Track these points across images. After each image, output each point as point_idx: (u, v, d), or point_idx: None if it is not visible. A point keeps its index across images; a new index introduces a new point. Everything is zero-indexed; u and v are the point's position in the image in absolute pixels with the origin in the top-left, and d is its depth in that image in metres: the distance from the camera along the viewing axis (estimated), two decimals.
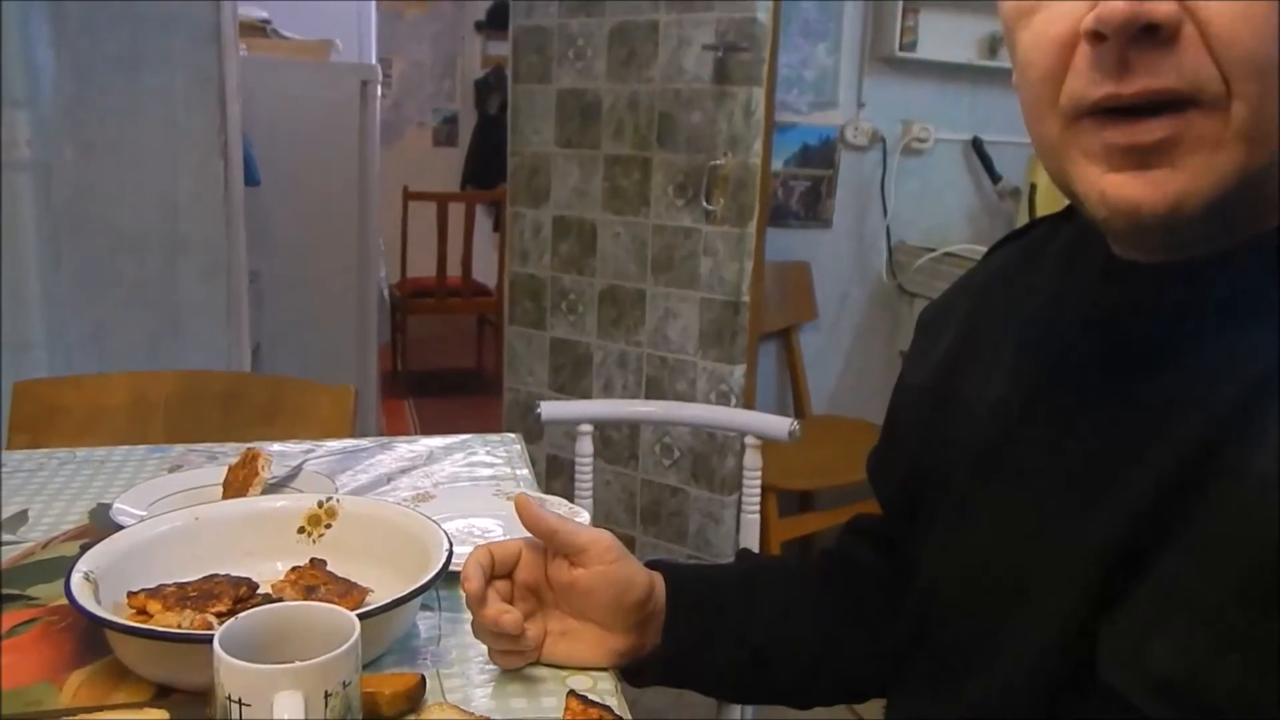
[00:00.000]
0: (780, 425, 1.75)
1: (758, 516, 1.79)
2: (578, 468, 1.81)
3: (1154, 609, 0.56)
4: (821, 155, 2.98)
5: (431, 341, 5.35)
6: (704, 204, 2.43)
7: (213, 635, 0.70)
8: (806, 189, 3.00)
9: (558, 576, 0.82)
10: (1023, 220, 2.77)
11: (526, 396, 2.76)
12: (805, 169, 2.98)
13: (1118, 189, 0.57)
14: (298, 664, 0.65)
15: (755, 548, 1.78)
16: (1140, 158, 0.56)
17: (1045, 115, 0.60)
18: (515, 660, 0.82)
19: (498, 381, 2.90)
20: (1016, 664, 0.65)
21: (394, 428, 4.13)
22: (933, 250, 2.89)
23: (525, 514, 0.81)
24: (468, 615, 0.93)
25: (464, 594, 0.80)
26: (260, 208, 3.00)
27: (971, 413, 0.75)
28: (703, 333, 2.45)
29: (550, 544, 0.82)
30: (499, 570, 0.81)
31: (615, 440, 2.54)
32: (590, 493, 1.77)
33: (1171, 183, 0.55)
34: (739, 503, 2.43)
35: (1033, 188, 2.65)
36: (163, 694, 0.80)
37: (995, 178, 3.04)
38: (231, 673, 0.64)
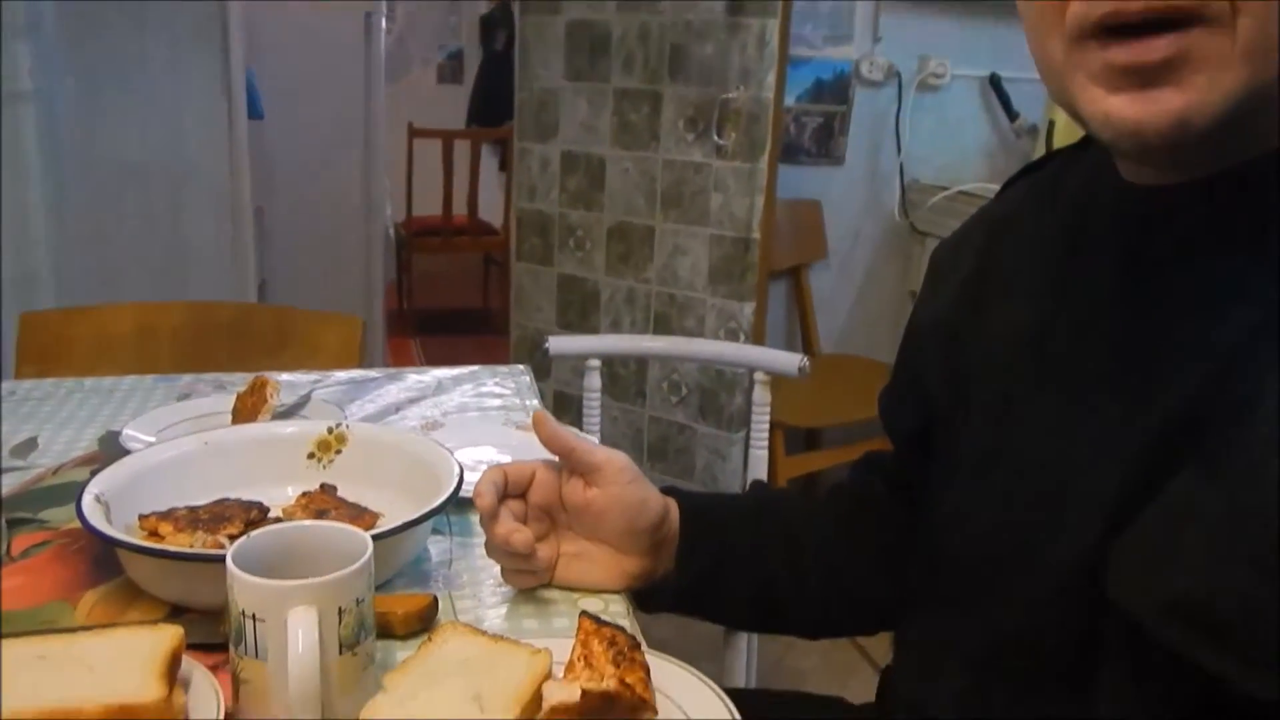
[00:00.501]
0: (790, 361, 1.74)
1: (766, 453, 1.79)
2: (585, 403, 1.80)
3: (1165, 527, 0.56)
4: (835, 91, 2.93)
5: (437, 280, 5.33)
6: (715, 138, 2.39)
7: (220, 554, 0.70)
8: (819, 125, 2.96)
9: (572, 497, 0.81)
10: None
11: (534, 333, 2.75)
12: (818, 104, 2.93)
13: (1121, 110, 0.56)
14: (311, 580, 0.65)
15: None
16: (1144, 77, 0.55)
17: (1049, 37, 0.59)
18: (528, 580, 0.82)
19: (503, 320, 2.89)
20: (1037, 588, 0.65)
21: (400, 365, 4.13)
22: (946, 189, 2.85)
23: (542, 430, 0.81)
24: (479, 539, 0.94)
25: (477, 512, 0.80)
26: (265, 142, 2.96)
27: (990, 343, 0.74)
28: (712, 269, 2.43)
29: (566, 462, 0.82)
30: (512, 490, 0.81)
31: (622, 377, 2.54)
32: (598, 429, 1.76)
33: (1175, 101, 0.54)
34: (746, 439, 2.44)
35: (1051, 124, 2.60)
36: (176, 613, 0.80)
37: (1013, 115, 2.99)
38: (245, 588, 0.64)
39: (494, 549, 0.80)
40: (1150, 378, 0.60)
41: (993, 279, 0.77)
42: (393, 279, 4.74)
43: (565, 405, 2.60)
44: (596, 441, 0.85)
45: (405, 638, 0.77)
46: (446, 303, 5.26)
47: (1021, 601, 0.66)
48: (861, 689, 2.38)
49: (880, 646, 2.32)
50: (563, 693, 0.62)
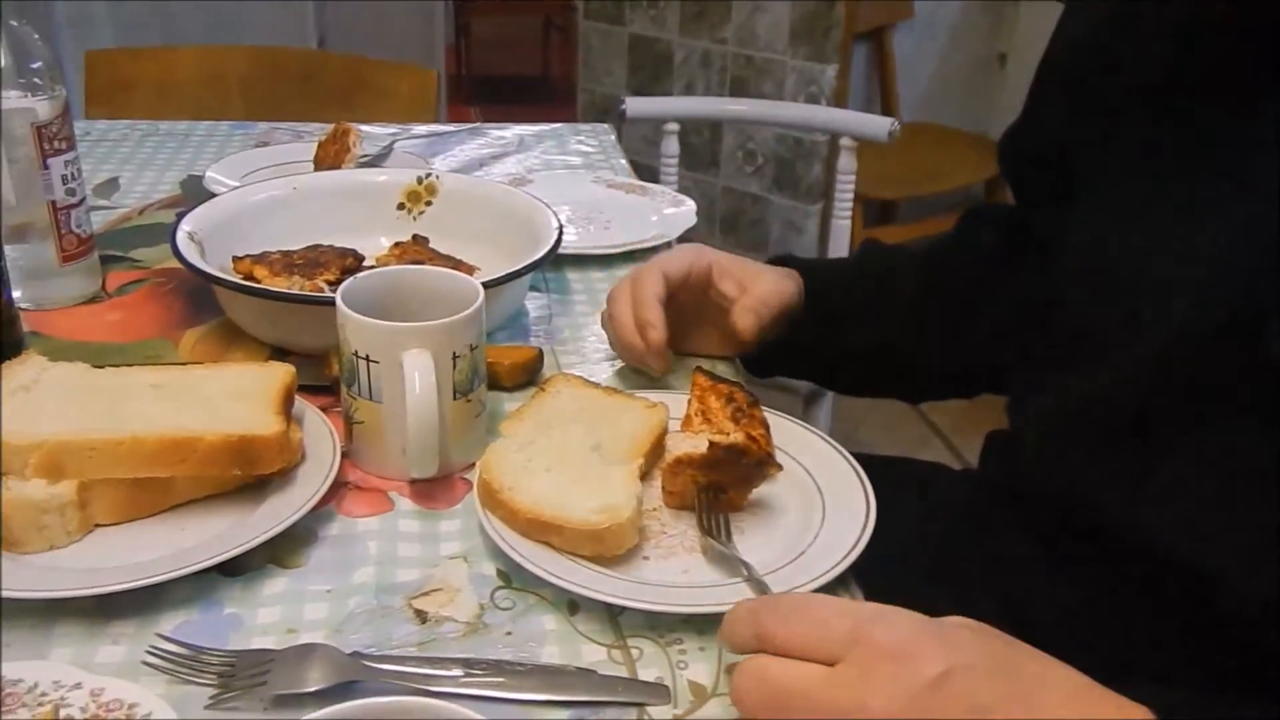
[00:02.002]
0: (880, 125, 1.64)
1: (849, 223, 1.72)
2: (662, 170, 1.73)
3: None
4: None
5: (495, 44, 5.11)
6: None
7: (329, 297, 0.68)
8: None
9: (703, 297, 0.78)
10: None
11: (602, 99, 2.63)
12: None
13: None
14: (427, 322, 0.62)
15: (844, 254, 1.72)
16: None
17: None
18: (635, 362, 0.79)
19: (565, 87, 2.76)
20: (1170, 335, 0.61)
21: None
22: None
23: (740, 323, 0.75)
24: (578, 296, 0.91)
25: (621, 323, 0.74)
26: None
27: (1135, 78, 0.68)
28: (793, 29, 2.28)
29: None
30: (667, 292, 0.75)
31: (695, 146, 2.44)
32: None
33: None
34: (823, 211, 2.37)
35: None
36: (277, 355, 0.79)
37: None
38: (360, 330, 0.62)
39: (624, 345, 0.76)
40: None
41: (1135, 16, 0.69)
42: (450, 42, 4.55)
43: (638, 173, 2.51)
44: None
45: (512, 389, 0.75)
46: (505, 68, 5.06)
47: (1147, 355, 0.62)
48: (934, 456, 2.41)
49: (947, 419, 2.33)
50: (688, 444, 0.60)
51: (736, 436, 0.60)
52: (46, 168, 0.81)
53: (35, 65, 0.79)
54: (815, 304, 0.80)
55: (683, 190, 1.71)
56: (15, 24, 0.78)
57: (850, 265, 0.85)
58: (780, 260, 0.83)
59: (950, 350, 0.84)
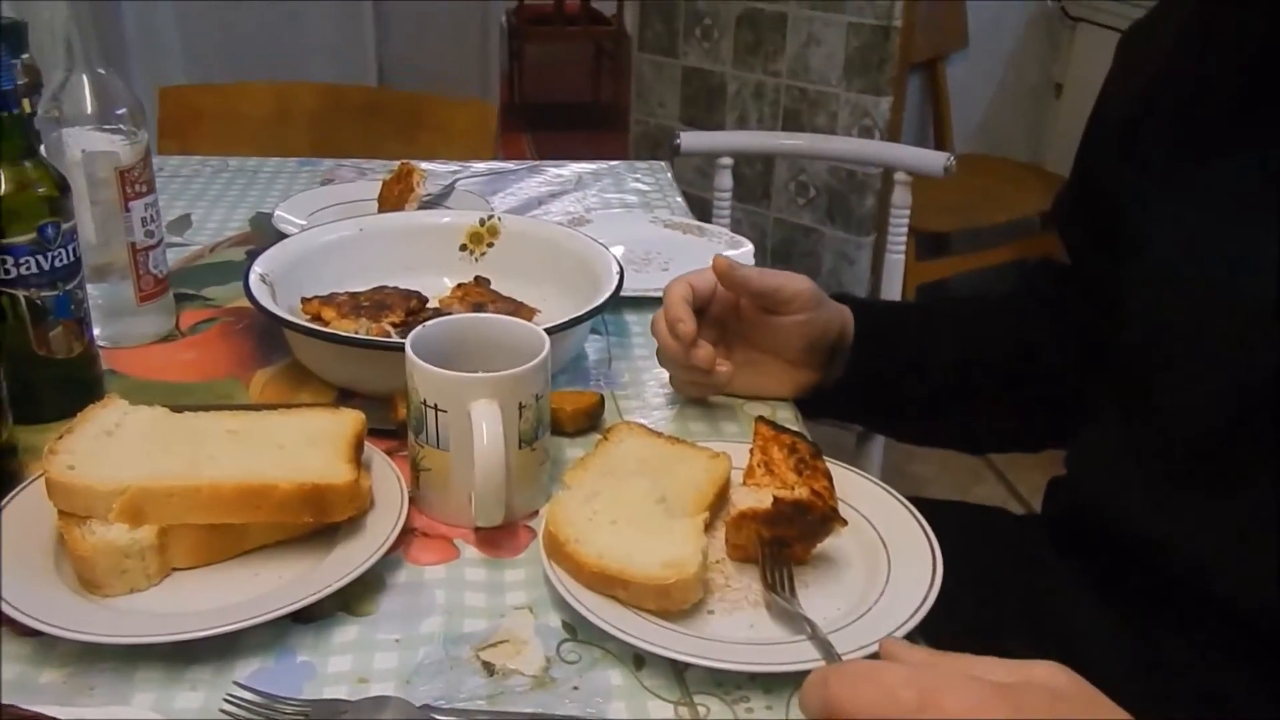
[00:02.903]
0: (935, 160, 1.64)
1: (902, 258, 1.72)
2: (716, 203, 1.74)
3: None
4: None
5: (547, 71, 5.17)
6: None
7: (398, 342, 0.69)
8: None
9: (751, 315, 0.78)
10: None
11: (655, 129, 2.65)
12: None
13: None
14: (496, 373, 0.63)
15: (897, 291, 1.72)
16: None
17: None
18: (700, 391, 0.80)
19: (616, 114, 2.78)
20: (1240, 378, 0.61)
21: (512, 158, 4.07)
22: None
23: (729, 278, 0.76)
24: (637, 339, 0.92)
25: (659, 332, 0.76)
26: None
27: (1188, 134, 0.67)
28: (848, 61, 2.27)
29: (758, 300, 0.77)
30: (696, 304, 0.77)
31: (748, 177, 2.44)
32: (727, 230, 1.71)
33: None
34: (876, 243, 2.36)
35: None
36: (344, 397, 0.80)
37: None
38: (428, 379, 0.63)
39: (670, 360, 0.78)
40: None
41: (1187, 63, 0.69)
42: (503, 68, 4.61)
43: (690, 205, 2.53)
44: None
45: (574, 435, 0.76)
46: (557, 95, 5.12)
47: (1213, 399, 0.62)
48: (986, 494, 2.38)
49: (1003, 454, 2.30)
50: (752, 498, 0.61)
51: (801, 492, 0.60)
52: (128, 210, 0.83)
53: (120, 111, 0.82)
54: (872, 352, 0.80)
55: (734, 222, 1.72)
56: (103, 72, 0.81)
57: (909, 314, 0.86)
58: (839, 298, 0.83)
59: (1013, 405, 0.84)
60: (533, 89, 4.89)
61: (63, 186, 0.73)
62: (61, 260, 0.73)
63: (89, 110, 0.81)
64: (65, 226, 0.73)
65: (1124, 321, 0.74)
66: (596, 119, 4.86)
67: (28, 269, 0.71)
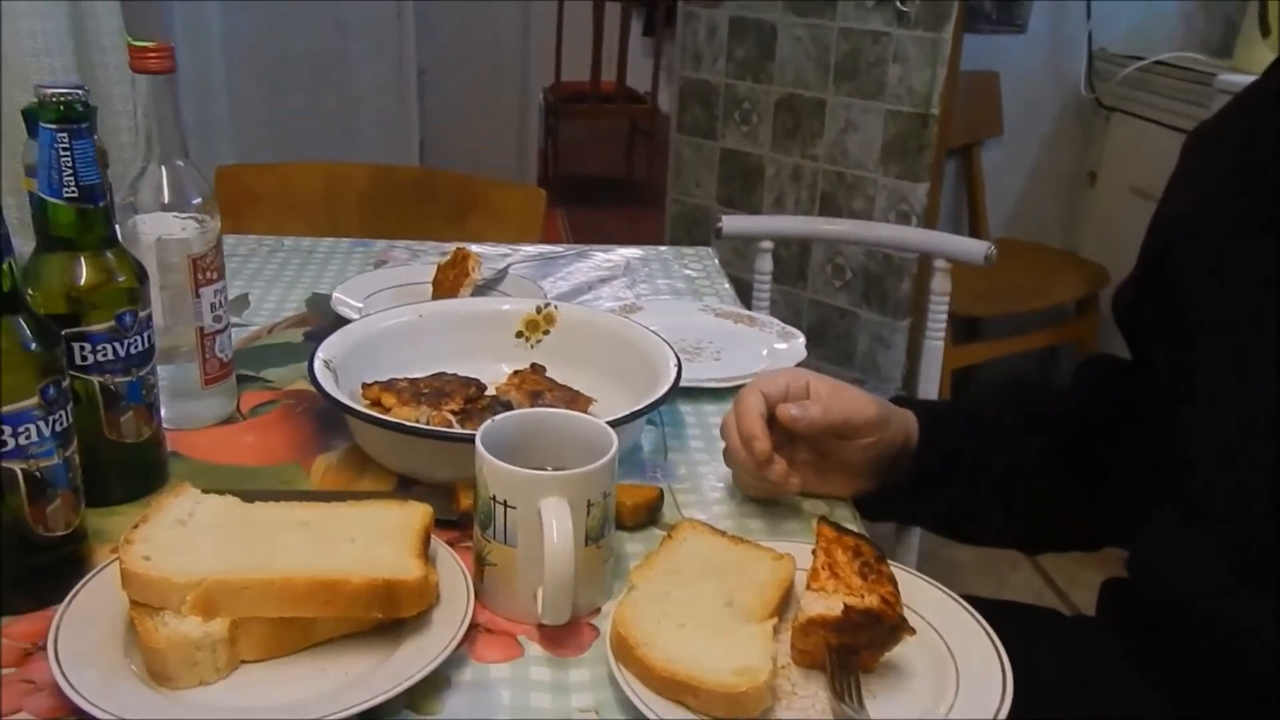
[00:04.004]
0: (976, 249, 1.65)
1: (941, 344, 1.72)
2: (755, 286, 1.76)
3: None
4: None
5: (581, 147, 5.27)
6: (897, 4, 2.24)
7: (466, 434, 0.70)
8: None
9: (817, 435, 0.78)
10: (1249, 22, 2.47)
11: (692, 209, 2.69)
12: None
13: None
14: (567, 471, 0.64)
15: (935, 376, 1.72)
16: None
17: None
18: (765, 494, 0.80)
19: (649, 190, 2.82)
20: None
21: (547, 234, 4.13)
22: (1140, 59, 2.62)
23: (798, 427, 0.76)
24: (691, 430, 0.92)
25: (729, 439, 0.77)
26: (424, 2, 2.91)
27: (1259, 237, 0.68)
28: (885, 147, 2.31)
29: (830, 432, 0.78)
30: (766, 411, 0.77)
31: (784, 258, 2.46)
32: (767, 312, 1.72)
33: None
34: (911, 327, 2.36)
35: None
36: (404, 484, 0.81)
37: None
38: (498, 474, 0.64)
39: (739, 467, 0.78)
40: None
41: (1254, 172, 0.70)
42: (538, 144, 4.70)
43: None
44: None
45: (633, 529, 0.76)
46: (590, 170, 5.21)
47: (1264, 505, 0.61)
48: (1022, 583, 2.34)
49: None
50: (821, 605, 0.60)
51: (871, 600, 0.60)
52: (198, 296, 0.85)
53: (196, 201, 0.85)
54: (931, 453, 0.80)
55: (771, 303, 1.74)
56: (181, 163, 0.84)
57: (971, 418, 0.85)
58: (898, 402, 0.83)
59: (1072, 505, 0.83)
60: (567, 164, 4.97)
61: (141, 276, 0.75)
62: (137, 347, 0.74)
63: (165, 200, 0.84)
64: (142, 314, 0.75)
65: (1185, 417, 0.74)
66: (630, 195, 4.94)
67: (104, 355, 0.73)
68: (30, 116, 0.95)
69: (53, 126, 0.69)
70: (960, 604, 0.67)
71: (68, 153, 0.69)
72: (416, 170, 1.71)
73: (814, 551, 0.67)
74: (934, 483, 0.80)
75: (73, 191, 0.70)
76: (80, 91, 0.70)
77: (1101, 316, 2.64)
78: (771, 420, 0.75)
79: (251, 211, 1.58)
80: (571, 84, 4.71)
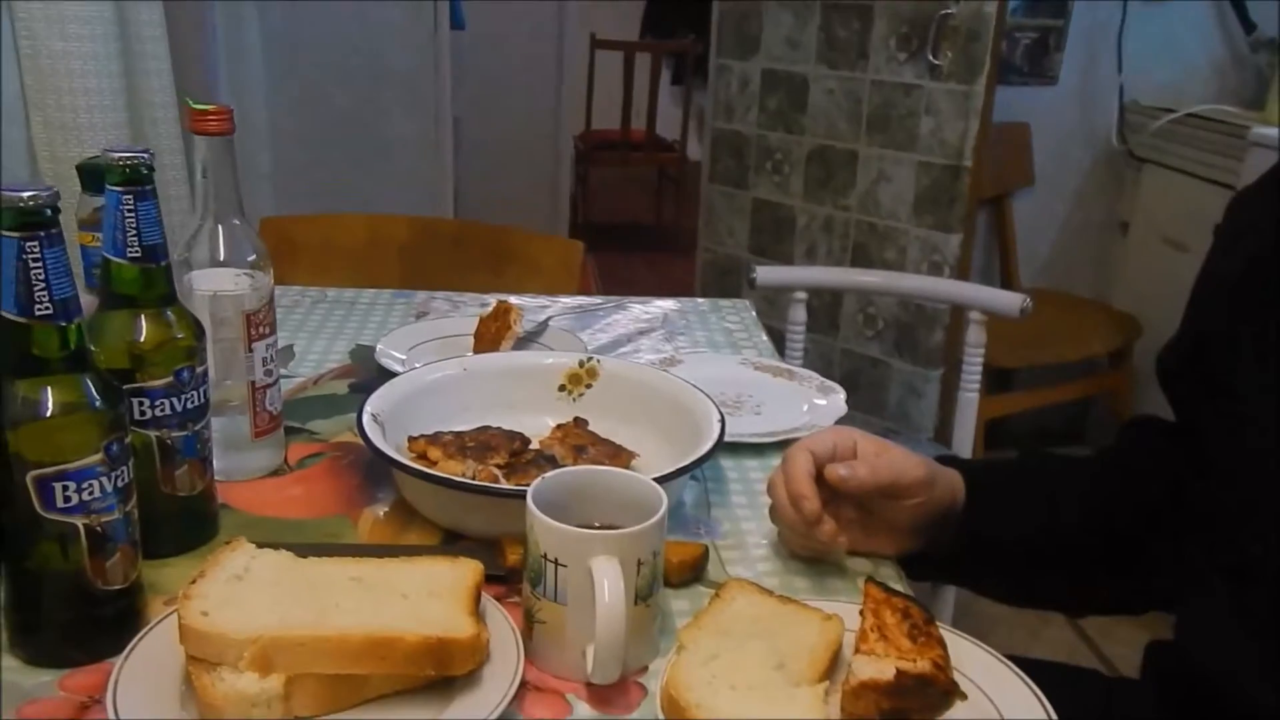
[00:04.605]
0: (1011, 301, 1.65)
1: (976, 396, 1.72)
2: (789, 336, 1.76)
3: None
4: (1052, 3, 2.73)
5: (611, 193, 5.33)
6: (930, 58, 2.26)
7: (517, 490, 0.70)
8: (1032, 42, 2.76)
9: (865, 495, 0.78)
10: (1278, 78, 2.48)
11: (724, 258, 2.71)
12: (1033, 19, 2.74)
13: None
14: (619, 531, 0.64)
15: (970, 428, 1.71)
16: None
17: None
18: (813, 553, 0.80)
19: (678, 238, 2.85)
20: None
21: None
22: (1172, 111, 2.63)
23: (846, 489, 0.75)
24: (734, 485, 0.92)
25: (777, 499, 0.77)
26: (462, 52, 2.98)
27: None
28: (917, 198, 2.32)
29: (878, 492, 0.78)
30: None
31: (815, 307, 2.46)
32: (800, 362, 1.72)
33: None
34: (944, 378, 2.35)
35: None
36: (450, 538, 0.82)
37: (1249, 27, 2.71)
38: (549, 532, 0.64)
39: (787, 526, 0.78)
40: None
41: None
42: (570, 191, 4.76)
43: None
44: None
45: (678, 586, 0.76)
46: (619, 216, 5.26)
47: None
48: (1055, 638, 2.31)
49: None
50: (873, 668, 0.60)
51: (923, 665, 0.60)
52: (251, 351, 0.87)
53: (250, 258, 0.87)
54: (978, 515, 0.80)
55: (803, 352, 1.75)
56: (237, 222, 0.86)
57: (1017, 480, 0.85)
58: (943, 460, 0.83)
59: (1120, 568, 0.83)
60: (596, 210, 5.03)
61: (199, 333, 0.77)
62: (193, 402, 0.76)
63: (221, 256, 0.86)
64: (199, 370, 0.76)
65: (1230, 481, 0.73)
66: (658, 241, 4.97)
67: (162, 410, 0.74)
68: (86, 172, 0.98)
69: (119, 189, 0.71)
70: (1009, 667, 0.66)
71: (132, 214, 0.71)
72: (455, 222, 1.74)
73: (862, 612, 0.67)
74: (980, 545, 0.80)
75: (136, 251, 0.72)
76: (145, 155, 0.72)
77: (1136, 369, 2.63)
78: (819, 478, 0.76)
79: (293, 261, 1.61)
80: (601, 132, 4.78)
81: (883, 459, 0.77)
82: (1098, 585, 0.84)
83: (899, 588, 0.74)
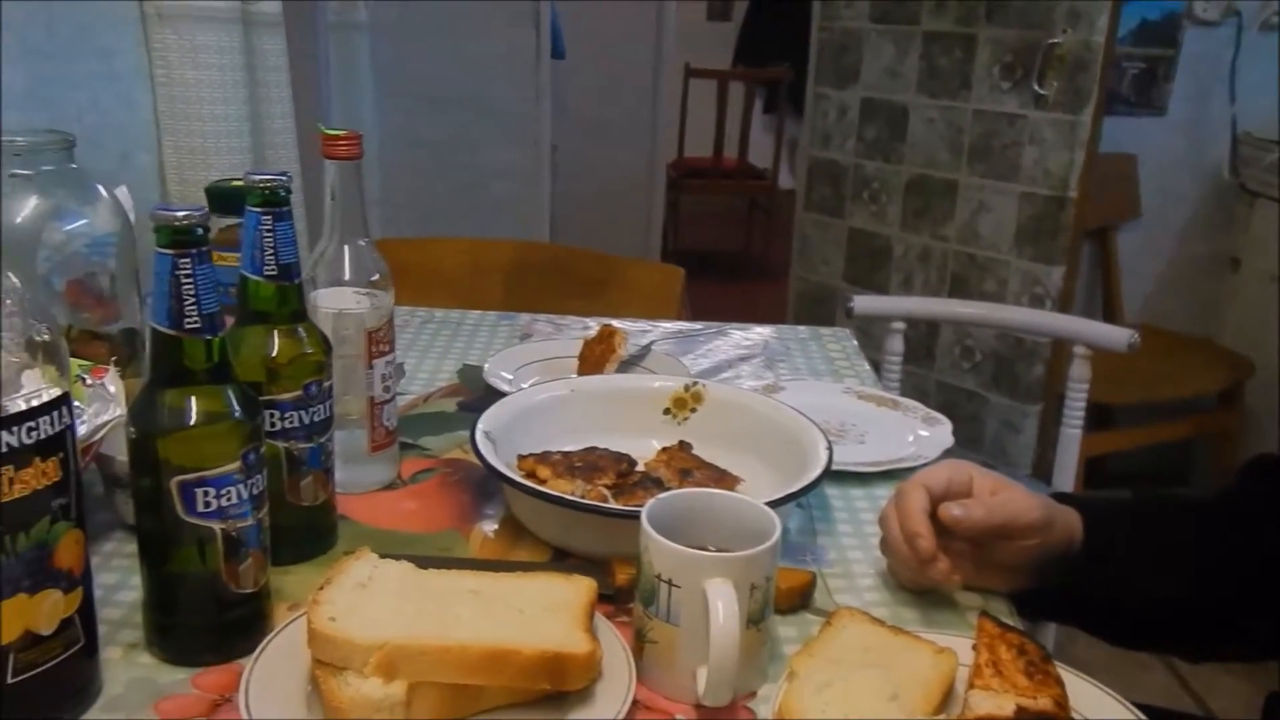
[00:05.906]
0: (1118, 337, 1.62)
1: (1079, 432, 1.68)
2: (885, 366, 1.75)
3: None
4: (1162, 32, 2.66)
5: (701, 220, 5.35)
6: (1035, 87, 2.23)
7: (630, 510, 0.71)
8: (1140, 71, 2.70)
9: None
10: None
11: (817, 287, 2.70)
12: (1141, 48, 2.68)
13: None
14: (734, 554, 0.65)
15: (1072, 466, 1.67)
16: None
17: None
18: (922, 585, 0.79)
19: (767, 266, 2.84)
20: None
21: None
22: None
23: (961, 529, 0.74)
24: (839, 514, 0.92)
25: (890, 533, 0.77)
26: (561, 81, 3.03)
27: None
28: (1019, 230, 2.28)
29: (992, 534, 0.77)
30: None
31: (911, 338, 2.44)
32: (897, 393, 1.70)
33: None
34: (1043, 413, 2.30)
35: None
36: (559, 556, 0.83)
37: None
38: (664, 553, 0.65)
39: (900, 562, 0.77)
40: None
41: None
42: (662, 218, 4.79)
43: None
44: None
45: (785, 612, 0.76)
46: (710, 243, 5.27)
47: None
48: (1154, 684, 2.23)
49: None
50: (991, 704, 0.59)
51: (1044, 703, 0.59)
52: (371, 367, 0.90)
53: (374, 277, 0.90)
54: (1098, 563, 0.78)
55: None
56: (362, 242, 0.89)
57: (1133, 515, 0.83)
58: (1060, 498, 0.82)
59: (1243, 611, 0.80)
60: (686, 237, 5.05)
61: (327, 349, 0.80)
62: (319, 415, 0.79)
63: (346, 275, 0.89)
64: (326, 384, 0.79)
65: None
66: (748, 269, 4.97)
67: (290, 423, 0.77)
68: (215, 195, 1.03)
69: (258, 210, 0.75)
70: (1129, 709, 0.65)
71: (270, 234, 0.75)
72: (556, 247, 1.78)
73: (975, 647, 0.66)
74: (1098, 588, 0.78)
75: (272, 269, 0.75)
76: (284, 178, 0.76)
77: (1247, 409, 2.53)
78: (931, 513, 0.75)
79: (398, 284, 1.65)
80: (693, 159, 4.81)
81: (998, 498, 0.75)
82: (1216, 633, 0.81)
83: (1012, 623, 0.73)
